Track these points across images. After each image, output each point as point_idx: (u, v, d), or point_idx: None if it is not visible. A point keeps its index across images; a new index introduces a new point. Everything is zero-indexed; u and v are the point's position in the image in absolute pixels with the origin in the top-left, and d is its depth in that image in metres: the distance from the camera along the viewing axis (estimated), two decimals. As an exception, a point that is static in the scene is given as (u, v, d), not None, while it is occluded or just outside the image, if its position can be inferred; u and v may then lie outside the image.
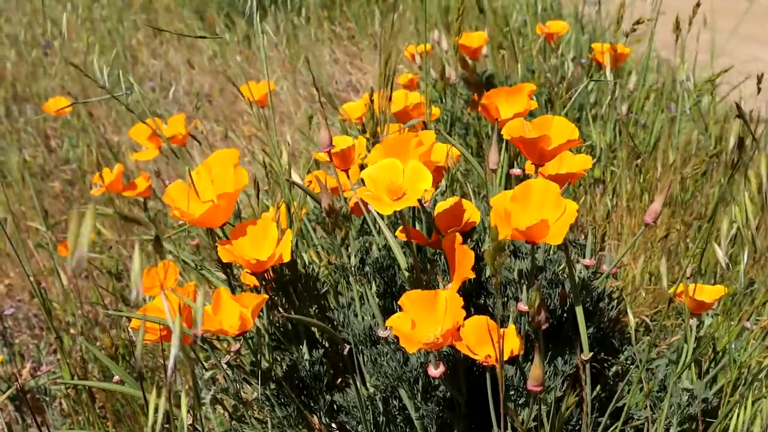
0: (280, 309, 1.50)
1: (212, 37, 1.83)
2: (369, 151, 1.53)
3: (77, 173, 3.52)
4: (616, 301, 1.55)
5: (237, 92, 4.08)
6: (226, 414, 1.67)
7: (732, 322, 1.63)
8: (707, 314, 1.58)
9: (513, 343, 1.26)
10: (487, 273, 1.53)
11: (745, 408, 1.29)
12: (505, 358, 1.23)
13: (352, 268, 1.44)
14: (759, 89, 1.82)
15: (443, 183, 1.75)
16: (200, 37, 1.64)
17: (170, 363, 0.68)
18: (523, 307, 1.34)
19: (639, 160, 2.65)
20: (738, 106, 1.05)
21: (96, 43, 4.81)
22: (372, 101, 1.54)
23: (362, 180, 1.31)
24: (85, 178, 3.44)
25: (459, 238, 1.34)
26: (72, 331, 2.38)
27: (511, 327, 1.30)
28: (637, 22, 2.25)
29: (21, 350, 2.45)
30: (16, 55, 4.93)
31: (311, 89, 4.09)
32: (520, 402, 1.38)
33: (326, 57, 4.62)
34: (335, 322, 1.50)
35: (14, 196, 3.37)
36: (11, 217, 3.07)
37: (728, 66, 2.45)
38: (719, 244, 1.18)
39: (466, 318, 1.24)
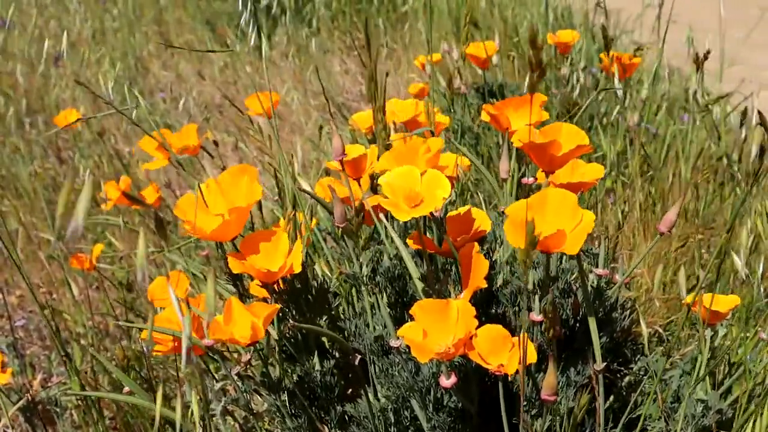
0: (290, 319, 1.49)
1: (224, 49, 1.83)
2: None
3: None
4: (629, 311, 1.54)
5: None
6: (237, 425, 1.66)
7: (747, 333, 1.61)
8: (721, 324, 1.57)
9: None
10: (499, 282, 1.52)
11: (761, 416, 1.27)
12: (518, 367, 1.22)
13: (364, 278, 1.44)
14: None
15: (452, 192, 1.74)
16: (212, 51, 1.64)
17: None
18: (536, 316, 1.33)
19: (651, 171, 2.64)
20: (761, 115, 1.04)
21: (107, 55, 4.83)
22: (384, 112, 1.53)
23: (374, 188, 1.30)
24: (96, 189, 3.45)
25: (476, 246, 1.33)
26: (82, 342, 2.38)
27: (524, 336, 1.29)
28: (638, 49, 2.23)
29: (32, 361, 2.45)
30: (27, 67, 4.96)
31: (322, 99, 4.09)
32: (533, 413, 1.36)
33: (336, 67, 4.63)
34: (346, 332, 1.49)
35: (25, 207, 3.38)
36: (22, 229, 3.08)
37: (739, 75, 2.44)
38: (739, 256, 1.17)
39: (477, 327, 1.23)
